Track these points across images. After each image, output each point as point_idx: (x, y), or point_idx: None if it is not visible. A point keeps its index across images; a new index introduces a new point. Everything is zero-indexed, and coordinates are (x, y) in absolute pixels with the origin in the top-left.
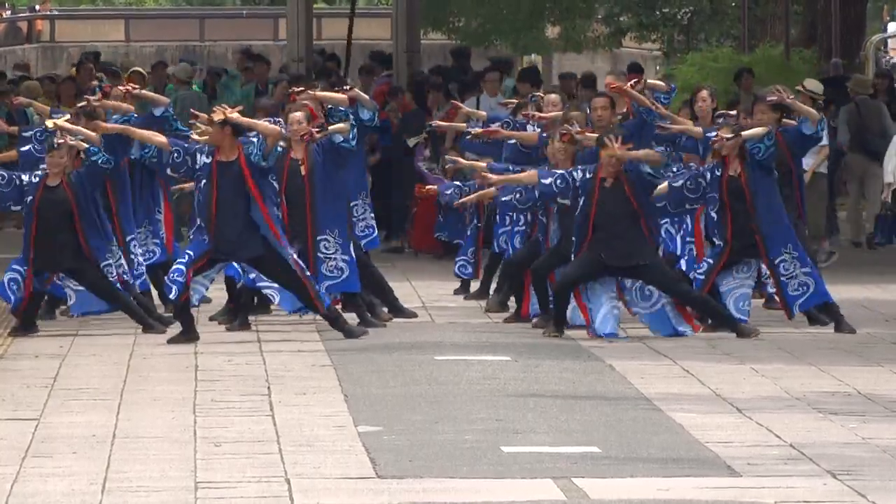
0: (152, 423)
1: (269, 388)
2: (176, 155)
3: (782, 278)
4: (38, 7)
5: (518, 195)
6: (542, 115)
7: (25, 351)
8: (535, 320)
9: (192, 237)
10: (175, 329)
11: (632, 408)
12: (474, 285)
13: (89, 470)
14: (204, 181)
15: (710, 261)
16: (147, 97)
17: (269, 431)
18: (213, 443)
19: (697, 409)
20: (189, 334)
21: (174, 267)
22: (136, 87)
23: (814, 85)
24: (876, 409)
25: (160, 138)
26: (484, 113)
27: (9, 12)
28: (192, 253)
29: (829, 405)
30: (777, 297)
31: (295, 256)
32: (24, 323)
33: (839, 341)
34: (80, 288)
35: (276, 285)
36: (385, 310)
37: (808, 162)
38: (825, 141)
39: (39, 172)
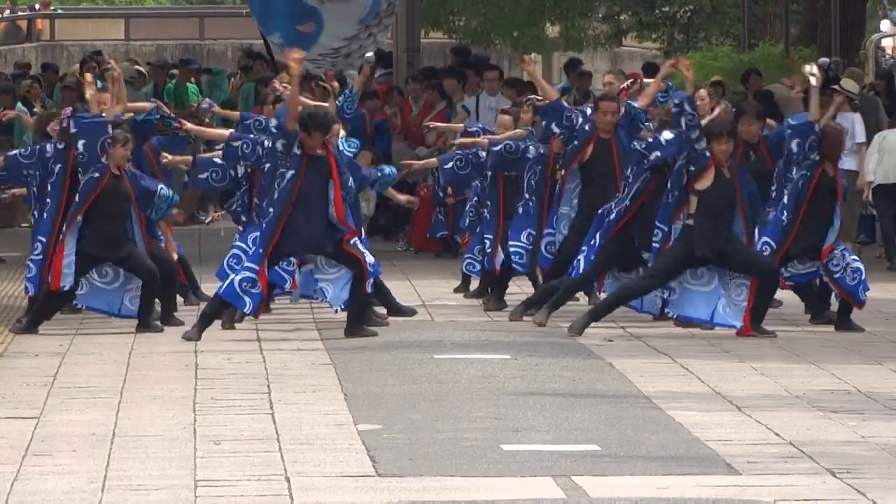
0: (152, 422)
1: (268, 386)
2: (245, 146)
3: (836, 274)
4: (37, 6)
5: (458, 161)
6: (504, 136)
7: (25, 349)
8: (533, 317)
9: (245, 228)
10: (171, 329)
11: (631, 406)
12: (474, 283)
13: (89, 468)
14: (292, 171)
15: (773, 245)
16: (132, 108)
17: (268, 430)
18: (212, 441)
19: (697, 407)
20: (197, 333)
21: (244, 275)
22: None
23: (850, 85)
24: (875, 408)
25: (221, 133)
26: (461, 126)
27: (8, 11)
28: (259, 250)
29: (828, 403)
30: (840, 294)
31: (360, 245)
32: (31, 322)
33: (839, 340)
34: (96, 282)
35: (333, 278)
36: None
37: (854, 162)
38: (861, 138)
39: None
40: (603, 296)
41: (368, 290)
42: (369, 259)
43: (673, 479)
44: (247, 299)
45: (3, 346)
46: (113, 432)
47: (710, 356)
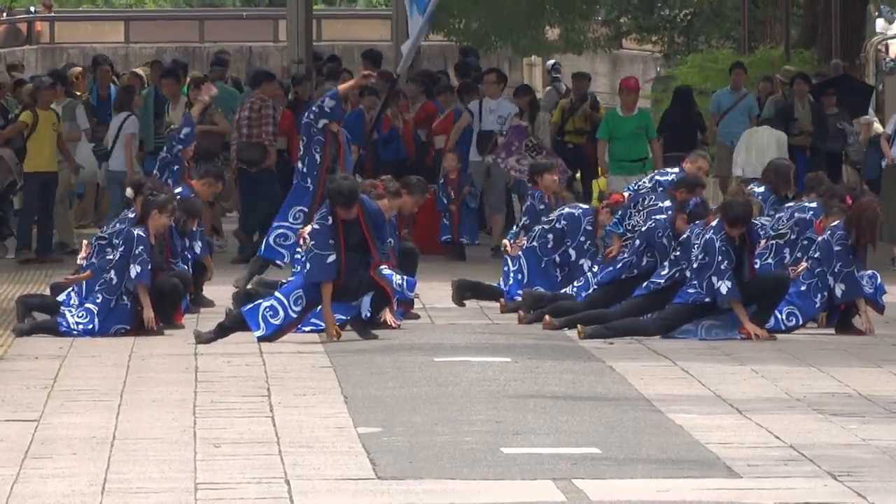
0: (152, 425)
1: (268, 389)
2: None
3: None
4: (33, 8)
5: None
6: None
7: (25, 352)
8: (524, 314)
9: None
10: (171, 332)
11: (632, 409)
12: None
13: (89, 471)
14: (332, 241)
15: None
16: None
17: (268, 433)
18: (212, 444)
19: (697, 411)
20: (209, 339)
21: (271, 303)
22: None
23: None
24: (876, 411)
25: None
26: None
27: (4, 14)
28: (301, 297)
29: (829, 406)
30: (867, 304)
31: (389, 274)
32: (35, 328)
33: (839, 343)
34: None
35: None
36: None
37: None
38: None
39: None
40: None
41: (395, 307)
42: (397, 280)
43: (673, 483)
44: (262, 325)
45: (3, 349)
46: (113, 435)
47: (711, 359)
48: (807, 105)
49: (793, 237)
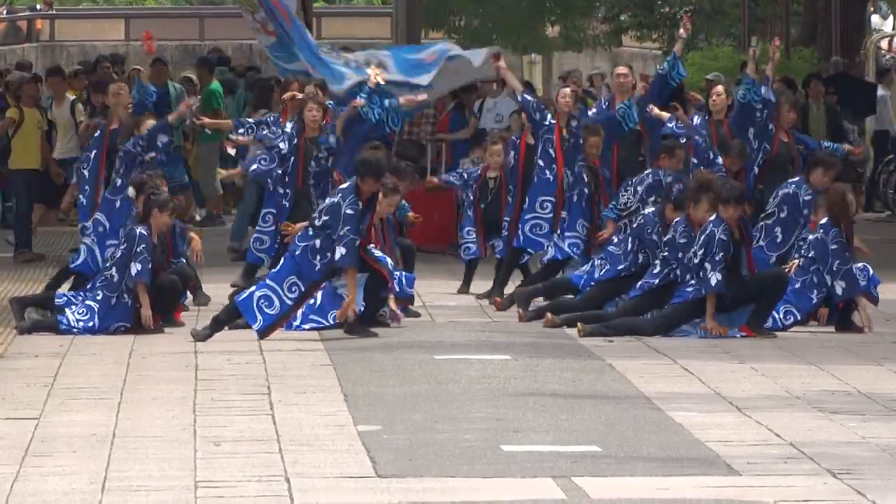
0: (152, 423)
1: (268, 387)
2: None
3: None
4: (39, 6)
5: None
6: None
7: (25, 350)
8: (521, 311)
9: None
10: (171, 330)
11: (632, 407)
12: (480, 285)
13: (89, 469)
14: (362, 225)
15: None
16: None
17: (268, 431)
18: (212, 442)
19: (697, 408)
20: (206, 335)
21: (264, 292)
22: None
23: None
24: (876, 408)
25: None
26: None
27: (4, 11)
28: (300, 286)
29: (829, 404)
30: (862, 298)
31: (383, 256)
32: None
33: (839, 340)
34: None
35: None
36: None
37: None
38: None
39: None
40: None
41: (396, 289)
42: (391, 263)
43: (673, 480)
44: (259, 316)
45: (4, 347)
46: (113, 433)
47: (711, 357)
48: (822, 107)
49: (782, 215)
